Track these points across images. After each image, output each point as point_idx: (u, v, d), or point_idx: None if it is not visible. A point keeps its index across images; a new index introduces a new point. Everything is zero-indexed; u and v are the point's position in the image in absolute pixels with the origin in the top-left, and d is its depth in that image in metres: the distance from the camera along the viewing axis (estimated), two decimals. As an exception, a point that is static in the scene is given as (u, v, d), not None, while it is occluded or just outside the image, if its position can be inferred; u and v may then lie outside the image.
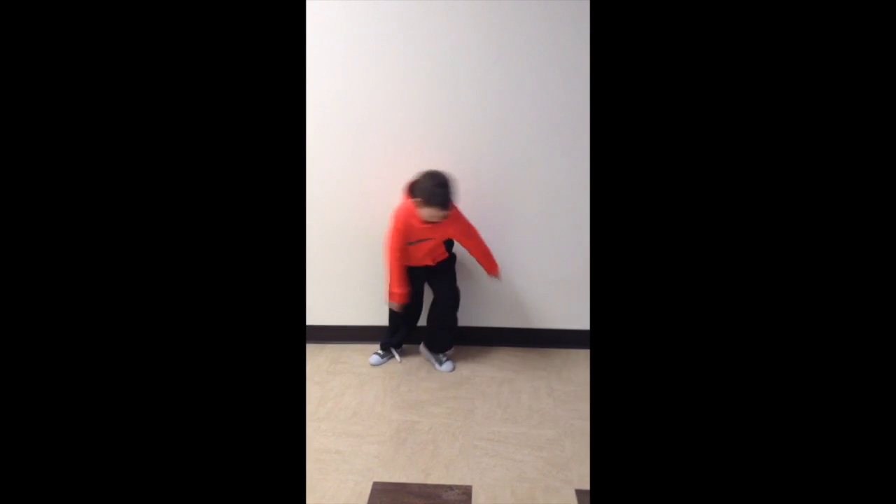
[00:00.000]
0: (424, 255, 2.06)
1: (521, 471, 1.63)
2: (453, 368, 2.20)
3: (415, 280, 2.11)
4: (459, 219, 2.01)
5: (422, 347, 2.29)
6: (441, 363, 2.22)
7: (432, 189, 1.85)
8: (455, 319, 2.22)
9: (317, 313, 2.37)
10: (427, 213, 1.89)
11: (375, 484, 1.59)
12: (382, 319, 2.33)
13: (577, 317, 2.29)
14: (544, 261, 2.22)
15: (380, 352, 2.28)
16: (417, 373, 2.18)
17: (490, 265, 2.11)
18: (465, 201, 2.02)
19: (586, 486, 1.56)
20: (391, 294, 2.05)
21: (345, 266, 2.28)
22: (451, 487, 1.57)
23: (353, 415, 1.92)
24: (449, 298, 2.16)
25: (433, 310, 2.18)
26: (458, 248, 2.13)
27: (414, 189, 1.91)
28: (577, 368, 2.19)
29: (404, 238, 1.99)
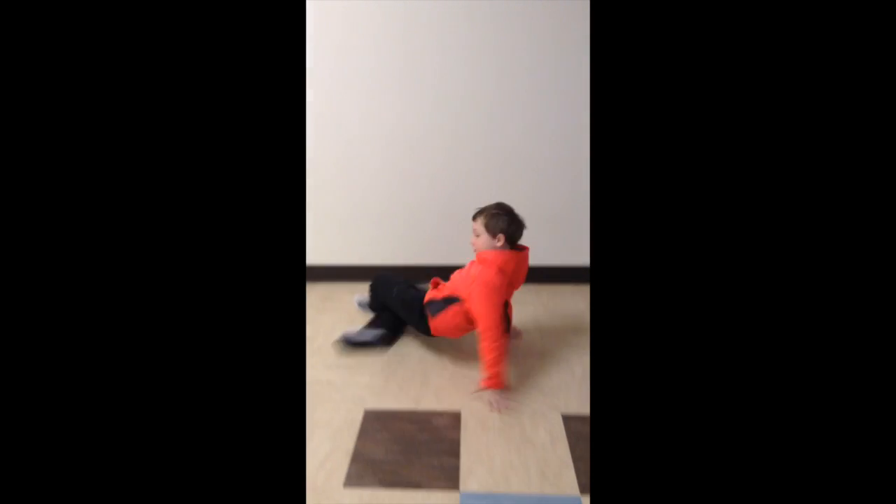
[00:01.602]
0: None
1: (509, 397, 1.68)
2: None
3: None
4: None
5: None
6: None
7: (520, 221, 1.71)
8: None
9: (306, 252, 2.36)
10: (508, 245, 1.69)
11: (367, 411, 1.63)
12: (371, 259, 2.33)
13: (566, 253, 2.31)
14: (533, 198, 2.22)
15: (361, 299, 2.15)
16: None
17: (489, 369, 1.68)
18: (457, 136, 1.99)
19: (572, 411, 1.61)
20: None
21: (333, 206, 2.26)
22: (440, 413, 1.62)
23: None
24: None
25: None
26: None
27: (503, 223, 1.68)
28: (564, 303, 2.23)
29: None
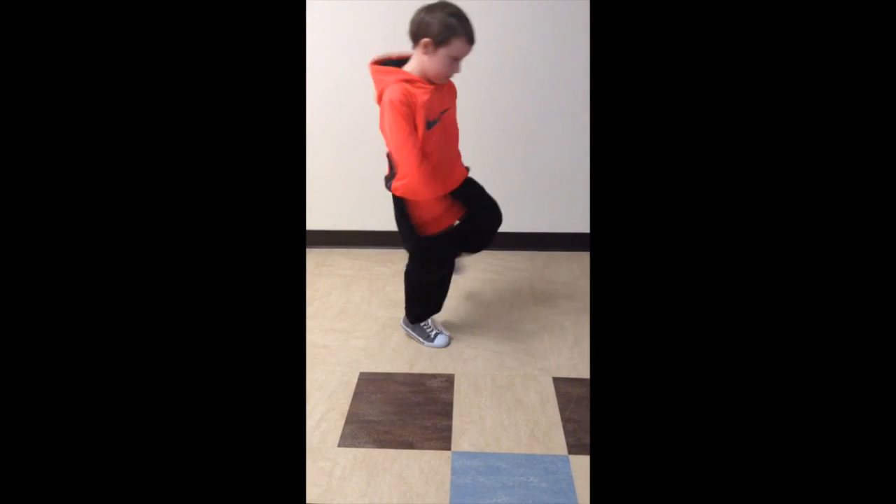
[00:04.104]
0: (449, 150, 1.52)
1: (501, 361, 1.71)
2: (448, 342, 1.81)
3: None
4: (454, 87, 1.54)
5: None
6: (431, 337, 1.79)
7: (449, 18, 1.31)
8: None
9: (301, 217, 2.36)
10: (449, 54, 1.34)
11: (362, 374, 1.66)
12: (366, 224, 2.33)
13: (560, 220, 2.31)
14: (529, 167, 2.20)
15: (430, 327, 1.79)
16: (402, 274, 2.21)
17: None
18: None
19: (563, 374, 1.64)
20: (426, 222, 1.48)
21: (327, 170, 2.25)
22: (434, 376, 1.65)
23: (340, 312, 1.97)
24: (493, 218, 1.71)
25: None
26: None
27: (417, 32, 1.34)
28: (557, 269, 2.24)
29: (412, 122, 1.38)
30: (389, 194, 1.56)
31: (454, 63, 1.37)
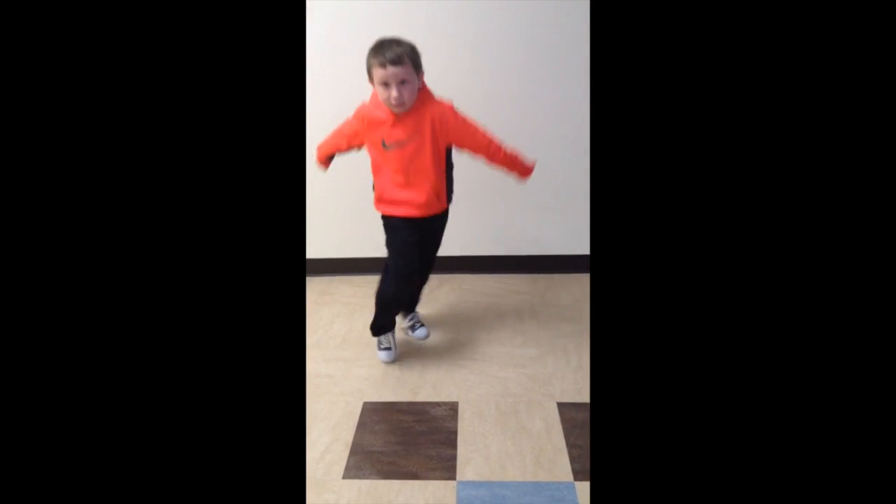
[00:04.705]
0: (405, 179, 1.59)
1: (505, 387, 1.70)
2: (427, 335, 2.00)
3: (402, 232, 1.68)
4: (443, 110, 1.54)
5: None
6: (413, 329, 2.00)
7: (375, 49, 1.45)
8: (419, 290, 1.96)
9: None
10: (378, 82, 1.46)
11: (366, 403, 1.66)
12: (368, 251, 2.35)
13: (561, 243, 2.33)
14: (530, 189, 2.22)
15: (383, 343, 1.88)
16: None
17: (517, 166, 1.64)
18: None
19: (567, 399, 1.64)
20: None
21: (329, 198, 2.27)
22: (438, 404, 1.64)
23: (343, 342, 1.97)
24: (428, 266, 1.85)
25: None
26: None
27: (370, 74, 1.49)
28: (560, 292, 2.24)
29: (361, 128, 1.59)
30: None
31: (387, 88, 1.45)
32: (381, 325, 1.85)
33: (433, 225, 1.73)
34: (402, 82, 1.44)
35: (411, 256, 1.69)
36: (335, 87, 2.06)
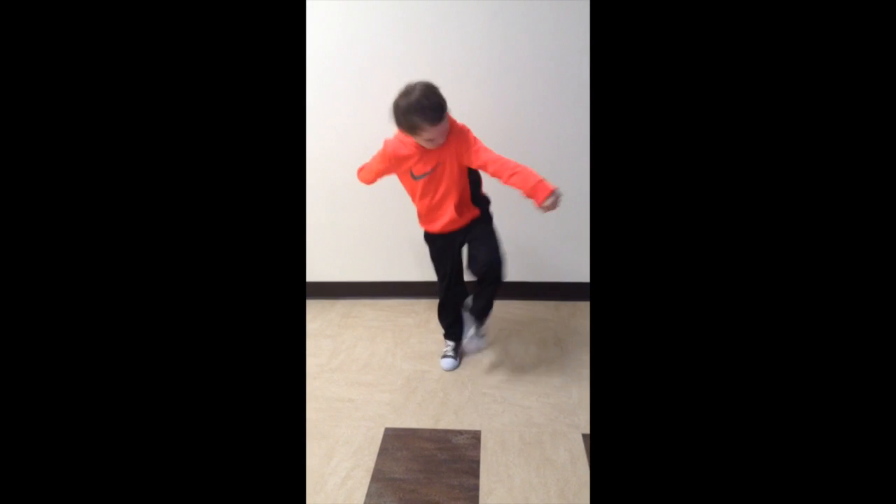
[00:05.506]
0: (435, 200, 1.67)
1: (529, 416, 1.67)
2: (481, 347, 1.96)
3: (445, 247, 1.77)
4: (463, 133, 1.58)
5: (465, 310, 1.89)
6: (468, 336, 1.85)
7: (414, 105, 1.44)
8: (493, 291, 1.78)
9: (327, 270, 2.40)
10: (424, 135, 1.50)
11: (387, 429, 1.64)
12: (392, 275, 2.36)
13: (586, 270, 2.30)
14: (552, 214, 2.21)
15: (449, 352, 1.97)
16: (427, 325, 2.21)
17: (533, 190, 1.52)
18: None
19: (592, 429, 1.60)
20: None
21: (354, 222, 2.29)
22: (460, 432, 1.62)
23: (365, 365, 1.97)
24: (493, 262, 1.69)
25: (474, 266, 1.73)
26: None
27: (397, 119, 1.51)
28: (584, 320, 2.21)
29: (388, 165, 1.65)
30: (413, 245, 1.64)
31: (429, 140, 1.52)
32: (444, 329, 2.00)
33: (473, 230, 1.76)
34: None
35: (447, 262, 1.82)
36: (334, 102, 2.10)
